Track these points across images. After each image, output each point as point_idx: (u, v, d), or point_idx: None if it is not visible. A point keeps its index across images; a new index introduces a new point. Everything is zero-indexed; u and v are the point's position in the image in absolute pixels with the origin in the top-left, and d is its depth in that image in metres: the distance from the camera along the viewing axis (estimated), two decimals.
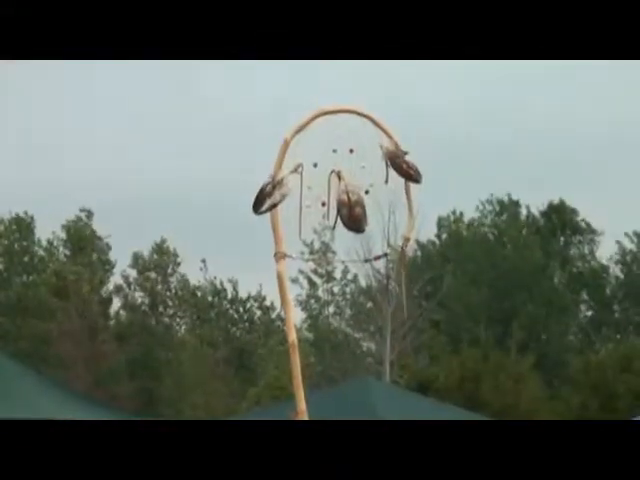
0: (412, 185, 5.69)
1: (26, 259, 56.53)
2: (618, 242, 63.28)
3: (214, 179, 67.60)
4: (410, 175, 5.66)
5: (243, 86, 77.76)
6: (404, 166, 5.63)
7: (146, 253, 57.26)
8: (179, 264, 58.08)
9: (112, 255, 57.77)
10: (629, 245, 63.35)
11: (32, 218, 56.80)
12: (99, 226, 57.16)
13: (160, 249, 57.60)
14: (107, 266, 57.62)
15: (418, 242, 54.10)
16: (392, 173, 5.66)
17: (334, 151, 5.65)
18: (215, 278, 60.03)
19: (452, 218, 63.29)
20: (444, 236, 62.95)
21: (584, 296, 63.88)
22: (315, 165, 5.67)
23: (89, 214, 56.99)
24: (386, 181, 5.65)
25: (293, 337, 5.78)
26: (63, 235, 57.02)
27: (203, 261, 58.80)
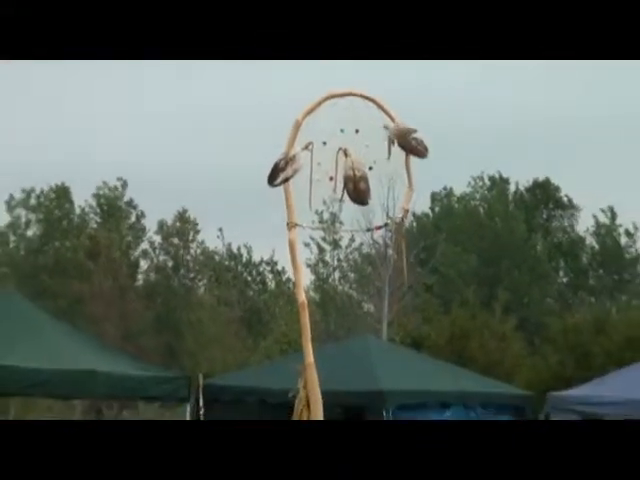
0: (412, 161, 5.68)
1: (64, 224, 56.47)
2: (594, 216, 63.49)
3: (232, 157, 67.49)
4: (419, 151, 5.64)
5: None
6: (413, 142, 5.61)
7: (170, 221, 57.43)
8: (199, 231, 58.06)
9: (140, 222, 57.78)
10: (603, 219, 63.46)
11: (69, 188, 56.74)
12: (129, 195, 57.29)
13: (182, 218, 57.56)
14: (136, 232, 57.66)
15: (414, 214, 53.99)
16: (393, 150, 5.65)
17: (341, 131, 5.64)
18: (231, 244, 60.15)
19: (443, 193, 63.35)
20: (437, 209, 62.87)
21: (562, 264, 64.05)
22: (324, 143, 5.66)
23: (124, 184, 56.98)
24: (388, 158, 5.64)
25: (302, 298, 5.78)
26: (95, 203, 57.05)
27: (220, 229, 58.90)
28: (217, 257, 59.36)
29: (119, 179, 57.08)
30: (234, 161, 64.54)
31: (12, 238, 56.00)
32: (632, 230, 62.96)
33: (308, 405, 5.43)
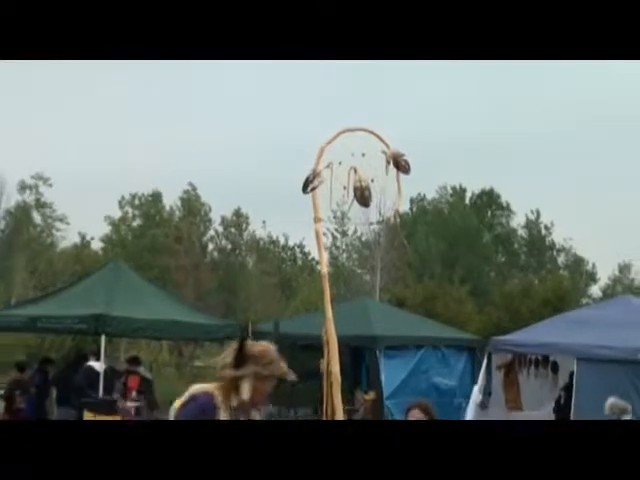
0: (401, 176, 5.65)
1: (157, 218, 56.58)
2: (525, 215, 63.55)
3: (275, 170, 67.48)
4: (405, 169, 5.63)
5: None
6: (402, 163, 5.59)
7: (229, 216, 57.60)
8: (249, 223, 58.17)
9: (208, 217, 57.86)
10: (530, 217, 63.45)
11: (161, 192, 57.01)
12: (202, 197, 57.45)
13: (237, 213, 57.65)
14: (206, 224, 57.73)
15: (398, 212, 54.17)
16: (388, 168, 5.63)
17: (352, 155, 5.59)
18: (271, 232, 60.20)
19: (419, 198, 63.30)
20: (415, 209, 62.76)
21: (501, 249, 64.00)
22: (340, 163, 5.62)
23: (194, 188, 57.04)
24: (386, 174, 5.61)
25: (324, 271, 5.76)
26: (179, 203, 57.16)
27: (264, 222, 59.05)
28: (262, 242, 59.33)
29: (192, 185, 57.10)
30: (277, 174, 64.62)
31: (122, 227, 56.22)
32: (549, 225, 63.03)
33: (328, 345, 5.39)
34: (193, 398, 4.67)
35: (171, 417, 4.74)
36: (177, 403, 4.73)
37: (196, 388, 4.72)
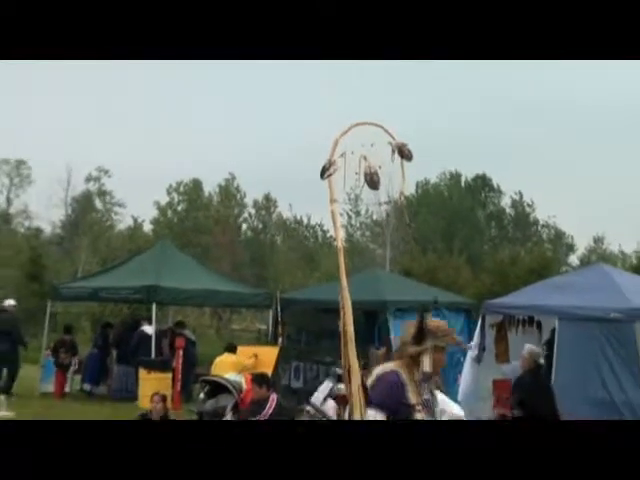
0: (405, 163, 5.59)
1: (199, 202, 56.65)
2: (511, 197, 63.22)
3: (299, 159, 67.29)
4: (409, 157, 5.56)
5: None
6: (406, 151, 5.52)
7: (260, 200, 57.60)
8: (277, 206, 58.12)
9: (243, 201, 57.81)
10: (515, 197, 63.15)
11: (201, 181, 57.11)
12: (237, 183, 57.35)
13: (267, 197, 57.60)
14: (240, 207, 57.72)
15: (404, 194, 53.87)
16: (394, 157, 5.57)
17: (362, 145, 5.54)
18: (297, 214, 60.11)
19: (422, 182, 62.98)
20: (419, 191, 62.41)
21: (493, 225, 63.72)
22: (352, 152, 5.57)
23: (233, 177, 56.98)
24: (392, 161, 5.54)
25: (340, 246, 5.71)
26: (218, 190, 57.18)
27: (290, 204, 59.05)
28: (288, 222, 59.28)
29: (231, 173, 56.96)
30: (301, 162, 64.23)
31: (169, 211, 56.36)
32: (531, 203, 62.72)
33: (344, 309, 5.35)
34: (380, 378, 4.55)
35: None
36: (369, 382, 4.54)
37: (380, 369, 4.60)
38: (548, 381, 11.48)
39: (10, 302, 18.35)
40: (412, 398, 4.42)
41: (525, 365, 11.09)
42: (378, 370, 4.59)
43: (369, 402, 4.41)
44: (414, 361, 4.54)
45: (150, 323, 17.49)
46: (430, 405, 4.54)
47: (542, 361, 11.40)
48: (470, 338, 14.62)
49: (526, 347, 11.37)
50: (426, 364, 4.52)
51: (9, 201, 52.61)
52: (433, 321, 4.68)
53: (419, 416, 4.36)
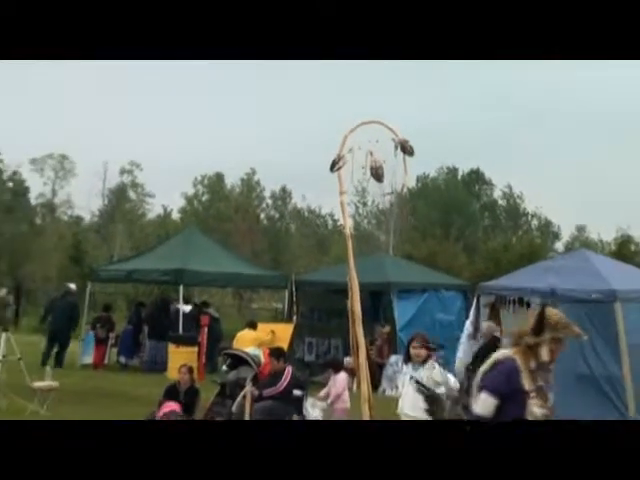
0: (407, 158, 5.55)
1: (221, 193, 56.64)
2: (502, 190, 62.99)
3: (312, 156, 67.02)
4: (410, 152, 5.51)
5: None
6: (408, 147, 5.47)
7: (277, 192, 57.57)
8: (292, 197, 58.10)
9: (262, 193, 57.75)
10: (506, 190, 62.93)
11: (223, 174, 57.07)
12: (257, 177, 57.21)
13: (283, 189, 57.65)
14: (259, 199, 57.68)
15: (406, 187, 53.94)
16: (396, 152, 5.53)
17: (369, 141, 5.49)
18: (310, 204, 59.89)
19: (422, 176, 62.66)
20: (419, 184, 62.17)
21: (486, 215, 63.50)
22: (359, 148, 5.52)
23: (254, 171, 56.87)
24: (395, 156, 5.49)
25: (348, 233, 5.68)
26: (239, 182, 57.12)
27: (303, 195, 58.95)
28: (302, 211, 59.26)
29: (252, 168, 56.84)
30: (313, 158, 63.88)
31: (195, 201, 56.50)
32: (521, 196, 62.52)
33: (352, 290, 5.32)
34: (497, 362, 4.35)
35: (477, 379, 4.35)
36: (482, 367, 4.38)
37: (499, 354, 4.41)
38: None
39: (72, 286, 18.49)
40: (527, 384, 4.24)
41: (485, 337, 12.05)
42: (496, 355, 4.39)
43: (482, 387, 4.25)
44: (531, 350, 4.34)
45: (178, 302, 17.53)
46: (544, 391, 4.34)
47: (498, 334, 11.97)
48: (466, 316, 14.58)
49: (483, 324, 12.42)
50: (544, 354, 4.34)
51: (54, 192, 52.75)
52: (554, 314, 4.47)
53: (532, 402, 4.17)
